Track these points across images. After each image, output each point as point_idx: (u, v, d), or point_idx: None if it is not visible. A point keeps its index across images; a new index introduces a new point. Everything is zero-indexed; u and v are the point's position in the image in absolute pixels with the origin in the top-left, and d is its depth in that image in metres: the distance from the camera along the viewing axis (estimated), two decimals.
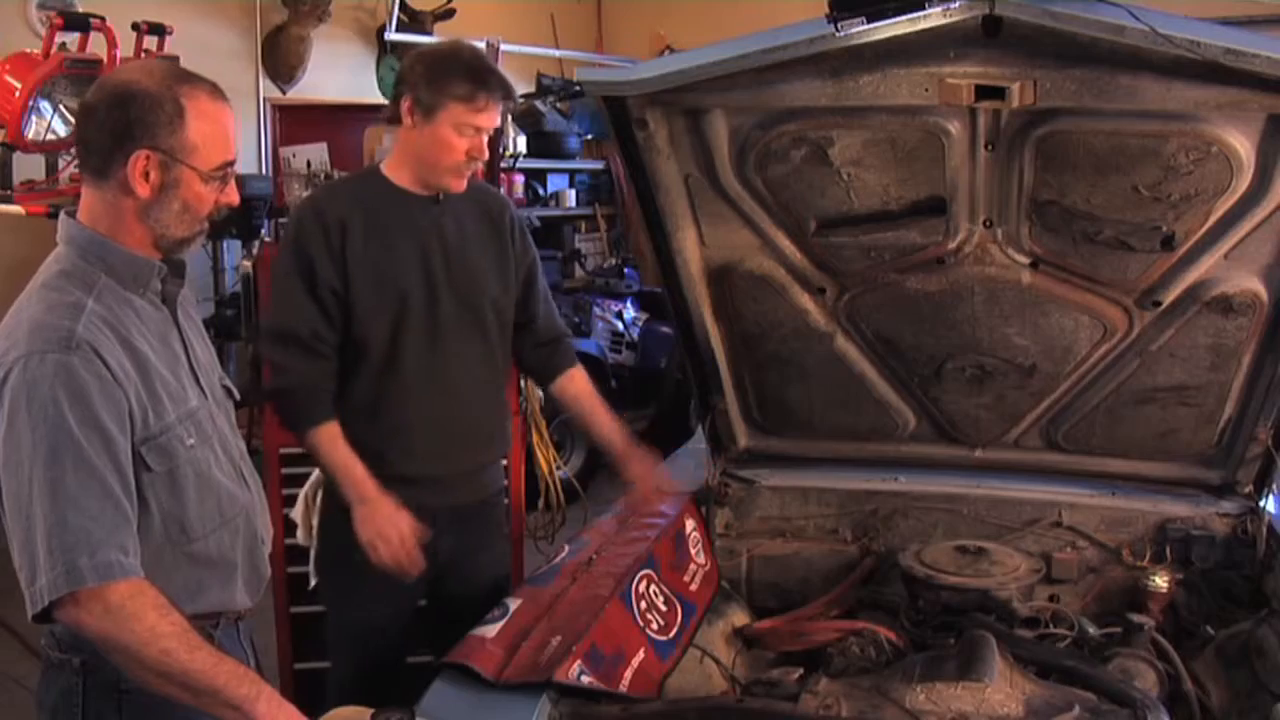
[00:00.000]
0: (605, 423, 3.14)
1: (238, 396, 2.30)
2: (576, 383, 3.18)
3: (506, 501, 3.61)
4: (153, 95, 1.94)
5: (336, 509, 2.88)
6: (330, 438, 2.78)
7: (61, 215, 2.05)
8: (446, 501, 2.94)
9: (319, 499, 3.04)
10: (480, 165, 2.86)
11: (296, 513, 3.10)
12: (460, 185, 2.84)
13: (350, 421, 2.82)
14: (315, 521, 3.04)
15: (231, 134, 2.03)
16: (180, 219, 2.01)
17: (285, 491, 3.85)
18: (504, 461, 3.26)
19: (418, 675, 2.73)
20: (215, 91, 2.02)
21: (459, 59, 2.77)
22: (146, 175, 1.95)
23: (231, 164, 2.04)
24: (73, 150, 5.01)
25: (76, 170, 5.02)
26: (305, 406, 2.80)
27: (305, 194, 4.57)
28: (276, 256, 2.92)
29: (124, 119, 1.93)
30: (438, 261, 2.85)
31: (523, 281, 3.05)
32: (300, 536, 3.07)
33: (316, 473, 3.04)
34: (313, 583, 3.13)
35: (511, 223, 3.03)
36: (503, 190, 7.47)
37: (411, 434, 2.88)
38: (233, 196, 2.07)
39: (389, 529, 2.72)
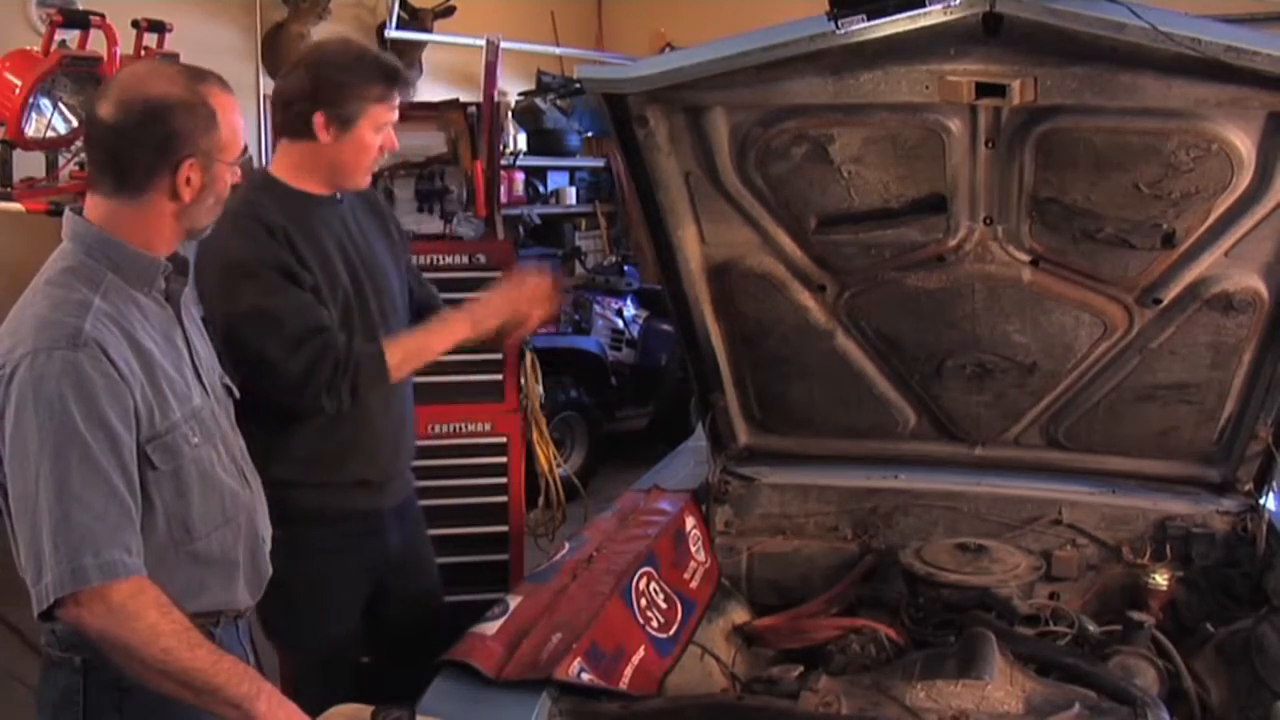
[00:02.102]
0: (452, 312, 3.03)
1: (237, 395, 2.30)
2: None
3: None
4: (187, 103, 1.96)
5: (274, 529, 2.83)
6: (405, 341, 2.74)
7: (67, 212, 2.05)
8: (391, 501, 2.92)
9: None
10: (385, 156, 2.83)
11: None
12: (368, 181, 2.84)
13: (308, 433, 2.73)
14: None
15: (243, 119, 2.08)
16: (211, 211, 2.08)
17: None
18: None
19: (367, 677, 2.73)
20: (224, 83, 2.06)
21: (366, 62, 2.72)
22: (188, 181, 1.98)
23: (247, 148, 2.10)
24: (73, 148, 5.01)
25: (78, 168, 5.01)
26: (362, 361, 2.65)
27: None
28: (243, 280, 2.62)
29: (165, 133, 1.95)
30: (356, 262, 2.80)
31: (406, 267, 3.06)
32: None
33: None
34: None
35: (388, 210, 3.07)
36: (502, 188, 7.49)
37: (370, 439, 2.82)
38: (237, 175, 2.10)
39: (533, 296, 2.83)
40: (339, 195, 2.82)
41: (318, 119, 2.67)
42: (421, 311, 3.04)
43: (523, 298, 2.87)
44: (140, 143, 1.95)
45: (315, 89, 2.68)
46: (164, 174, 1.96)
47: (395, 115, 2.74)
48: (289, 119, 2.72)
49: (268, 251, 2.62)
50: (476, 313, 2.84)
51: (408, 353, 2.74)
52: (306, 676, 2.93)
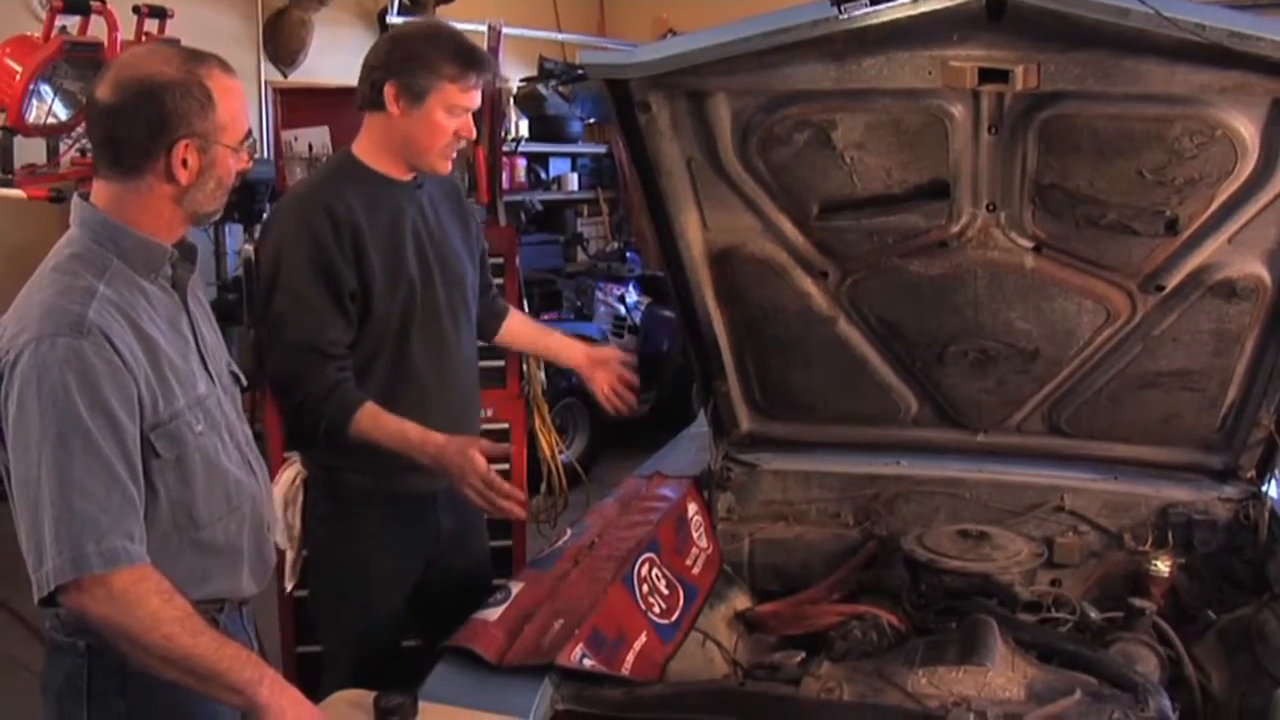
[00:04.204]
0: (557, 341, 3.31)
1: (244, 382, 2.30)
2: (515, 322, 3.28)
3: None
4: (181, 84, 1.95)
5: (326, 505, 2.84)
6: (371, 416, 2.67)
7: (75, 198, 2.05)
8: (445, 483, 2.92)
9: (300, 500, 2.92)
10: (465, 144, 2.82)
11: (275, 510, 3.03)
12: (447, 167, 2.80)
13: None
14: (297, 522, 2.93)
15: (245, 103, 2.07)
16: (214, 195, 2.04)
17: None
18: None
19: (411, 659, 2.73)
20: (225, 66, 2.03)
21: (443, 39, 2.71)
22: (184, 163, 1.96)
23: (251, 131, 2.07)
24: (74, 134, 5.01)
25: (79, 154, 5.00)
26: (336, 406, 2.67)
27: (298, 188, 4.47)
28: (283, 261, 2.70)
29: (158, 113, 1.93)
30: (427, 247, 2.82)
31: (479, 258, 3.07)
32: (278, 539, 2.96)
33: (294, 471, 2.93)
34: (289, 586, 3.04)
35: (470, 206, 3.07)
36: (504, 174, 7.49)
37: (424, 423, 2.80)
38: (245, 161, 2.08)
39: (472, 480, 2.63)
40: (419, 180, 2.82)
41: (389, 89, 2.68)
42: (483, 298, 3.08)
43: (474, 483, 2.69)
44: (134, 123, 1.94)
45: (389, 58, 2.71)
46: (159, 155, 1.95)
47: (472, 101, 2.72)
48: (366, 89, 2.75)
49: (320, 245, 2.66)
50: (440, 449, 2.69)
51: (380, 427, 2.67)
52: (343, 653, 2.96)
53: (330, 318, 2.68)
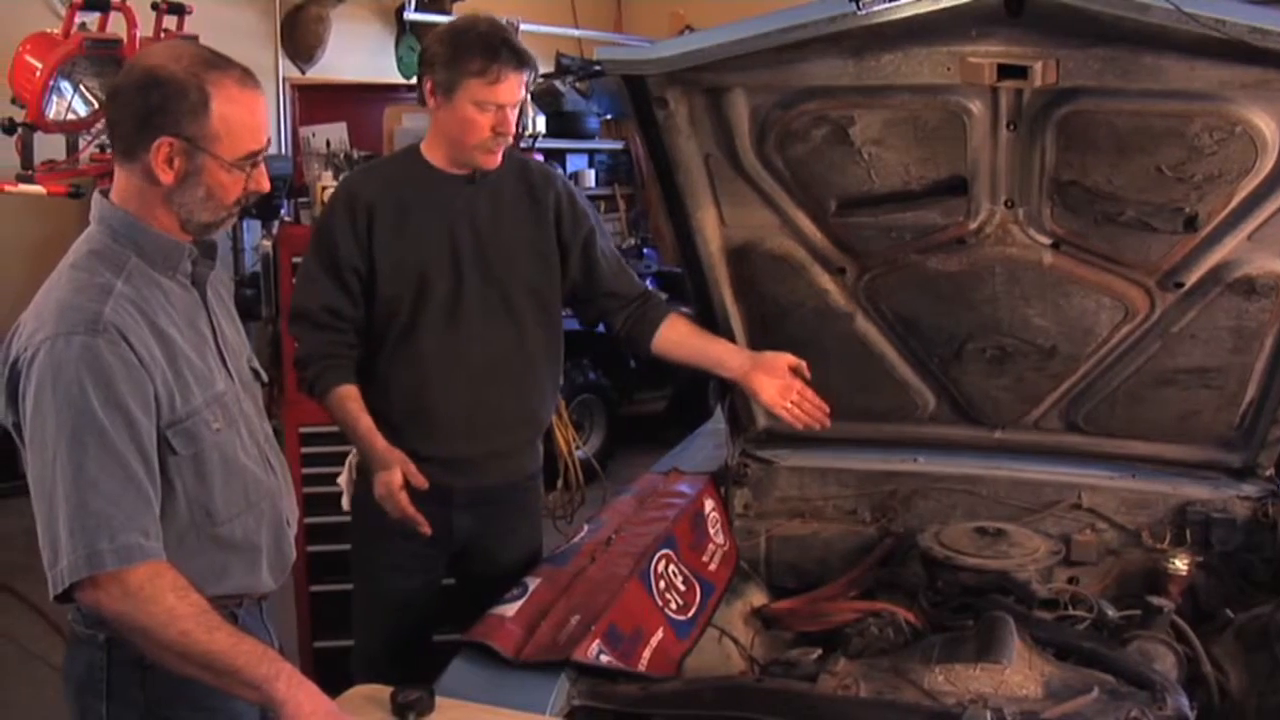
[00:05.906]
0: (719, 349, 3.03)
1: (265, 379, 2.30)
2: (674, 331, 3.05)
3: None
4: (178, 81, 1.91)
5: (361, 477, 2.92)
6: (339, 399, 2.82)
7: (95, 194, 2.05)
8: (465, 482, 2.93)
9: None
10: (509, 140, 2.82)
11: (342, 479, 3.11)
12: (493, 162, 2.81)
13: (368, 396, 2.85)
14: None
15: (261, 121, 2.00)
16: (205, 205, 2.00)
17: (305, 470, 3.88)
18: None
19: (443, 652, 2.75)
20: (245, 78, 1.98)
21: (472, 33, 2.74)
22: (171, 162, 1.93)
23: (258, 153, 2.00)
24: (93, 130, 5.04)
25: (99, 150, 5.04)
26: (318, 373, 2.84)
27: (326, 172, 4.54)
28: (310, 240, 2.96)
29: (148, 104, 1.91)
30: (466, 242, 2.83)
31: (581, 254, 2.98)
32: (344, 503, 3.08)
33: None
34: None
35: (558, 198, 2.95)
36: None
37: (426, 414, 2.88)
38: (263, 183, 2.04)
39: (380, 490, 2.76)
40: (475, 175, 2.84)
41: (426, 84, 2.78)
42: (611, 297, 3.03)
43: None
44: (127, 111, 1.94)
45: (426, 52, 2.81)
46: (144, 147, 1.92)
47: (500, 96, 2.72)
48: (417, 83, 2.86)
49: (332, 228, 2.84)
50: (371, 456, 2.80)
51: (344, 410, 2.82)
52: (364, 625, 3.06)
53: (327, 289, 2.83)
